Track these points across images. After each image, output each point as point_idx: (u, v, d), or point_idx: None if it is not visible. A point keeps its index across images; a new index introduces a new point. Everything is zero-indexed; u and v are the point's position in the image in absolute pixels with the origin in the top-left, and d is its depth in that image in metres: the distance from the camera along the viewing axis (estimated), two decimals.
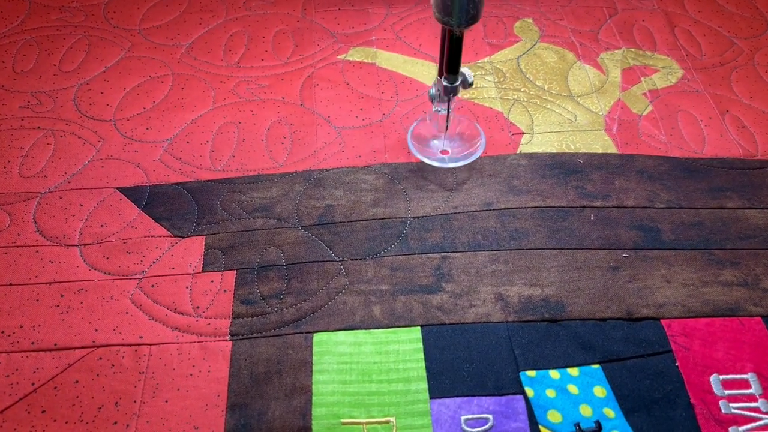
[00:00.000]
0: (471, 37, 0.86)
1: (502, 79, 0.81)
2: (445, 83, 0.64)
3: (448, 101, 0.66)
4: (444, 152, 0.72)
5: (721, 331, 0.59)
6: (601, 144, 0.74)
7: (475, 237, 0.66)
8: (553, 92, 0.80)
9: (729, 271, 0.64)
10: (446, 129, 0.70)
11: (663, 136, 0.76)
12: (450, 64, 0.62)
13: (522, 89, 0.80)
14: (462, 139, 0.73)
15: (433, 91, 0.66)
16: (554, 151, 0.73)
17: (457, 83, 0.64)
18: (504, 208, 0.68)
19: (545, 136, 0.75)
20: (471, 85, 0.65)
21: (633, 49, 0.86)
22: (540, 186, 0.70)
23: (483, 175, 0.71)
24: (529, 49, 0.85)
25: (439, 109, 0.68)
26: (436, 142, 0.72)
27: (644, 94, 0.80)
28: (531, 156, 0.73)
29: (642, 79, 0.82)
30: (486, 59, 0.84)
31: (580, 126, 0.76)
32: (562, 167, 0.72)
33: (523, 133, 0.75)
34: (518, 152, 0.73)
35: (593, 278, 0.63)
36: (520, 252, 0.65)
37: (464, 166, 0.71)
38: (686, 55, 0.85)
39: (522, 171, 0.71)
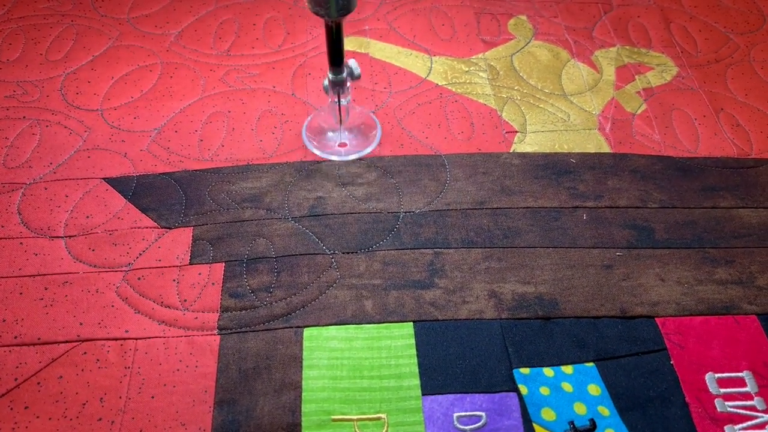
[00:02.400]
0: (465, 33, 0.85)
1: (495, 77, 0.80)
2: (330, 76, 0.64)
3: (337, 94, 0.66)
4: (342, 145, 0.71)
5: (716, 329, 0.59)
6: (595, 143, 0.74)
7: (468, 234, 0.65)
8: (547, 91, 0.79)
9: (723, 269, 0.63)
10: (340, 122, 0.70)
11: (657, 135, 0.75)
12: (332, 56, 0.62)
13: (515, 87, 0.79)
14: (359, 131, 0.73)
15: (326, 82, 0.66)
16: (547, 150, 0.72)
17: (343, 75, 0.64)
18: (497, 208, 0.67)
19: (538, 135, 0.74)
20: (358, 77, 0.65)
21: (627, 47, 0.85)
22: (532, 187, 0.69)
23: (476, 172, 0.70)
24: (522, 47, 0.84)
25: (334, 101, 0.67)
26: (332, 134, 0.72)
27: (638, 92, 0.80)
28: (524, 156, 0.72)
29: (636, 77, 0.81)
30: (480, 55, 0.83)
31: (574, 125, 0.76)
32: (554, 168, 0.71)
33: (517, 132, 0.74)
34: (511, 151, 0.72)
35: (587, 276, 0.62)
36: (514, 250, 0.64)
37: (457, 162, 0.70)
38: (681, 52, 0.84)
39: (515, 171, 0.70)
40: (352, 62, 0.64)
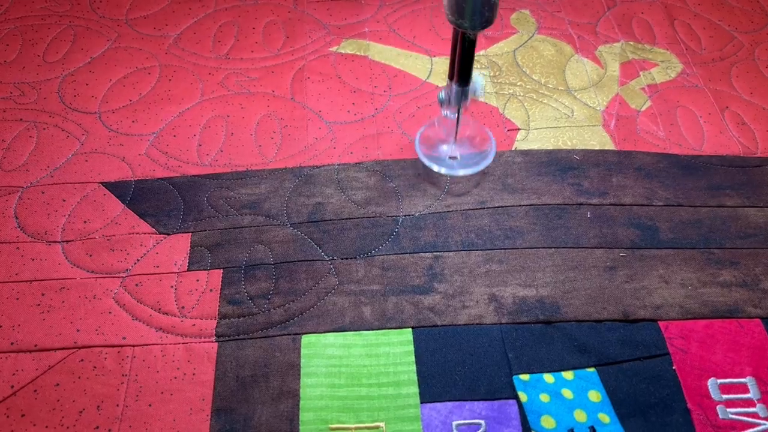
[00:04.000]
0: None
1: (497, 73, 0.79)
2: (455, 89, 0.61)
3: (458, 108, 0.63)
4: (453, 158, 0.69)
5: (719, 333, 0.58)
6: (599, 140, 0.73)
7: (468, 236, 0.64)
8: (550, 86, 0.78)
9: (728, 271, 0.62)
10: (455, 136, 0.68)
11: (662, 132, 0.74)
12: (461, 71, 0.59)
13: (518, 83, 0.78)
14: (471, 144, 0.70)
15: (442, 95, 0.63)
16: (550, 147, 0.72)
17: (468, 89, 0.61)
18: (498, 207, 0.66)
19: (541, 132, 0.73)
20: (482, 94, 0.62)
21: (632, 43, 0.84)
22: (535, 184, 0.68)
23: (477, 173, 0.69)
24: (525, 42, 0.83)
25: (448, 113, 0.65)
26: (444, 147, 0.69)
27: (643, 88, 0.78)
28: (526, 153, 0.71)
29: (641, 73, 0.80)
30: (482, 52, 0.82)
31: (577, 121, 0.75)
32: (558, 164, 0.70)
33: (519, 129, 0.73)
34: (513, 149, 0.71)
35: (589, 278, 0.61)
36: (515, 251, 0.63)
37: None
38: (686, 49, 0.83)
39: (517, 168, 0.69)
40: (478, 79, 0.61)
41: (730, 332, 0.58)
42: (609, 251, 0.63)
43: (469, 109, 0.72)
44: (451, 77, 0.61)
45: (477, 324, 0.58)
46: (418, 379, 0.55)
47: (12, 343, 0.57)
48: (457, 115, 0.65)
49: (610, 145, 0.72)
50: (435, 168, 0.67)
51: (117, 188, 0.67)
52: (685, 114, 0.76)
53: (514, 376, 0.55)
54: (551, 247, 0.63)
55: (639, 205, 0.67)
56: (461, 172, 0.67)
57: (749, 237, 0.65)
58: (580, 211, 0.66)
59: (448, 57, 0.81)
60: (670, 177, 0.70)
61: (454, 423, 0.52)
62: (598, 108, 0.76)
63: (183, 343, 0.57)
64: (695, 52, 0.83)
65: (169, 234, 0.64)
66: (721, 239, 0.65)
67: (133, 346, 0.57)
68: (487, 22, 0.54)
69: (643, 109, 0.76)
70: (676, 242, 0.64)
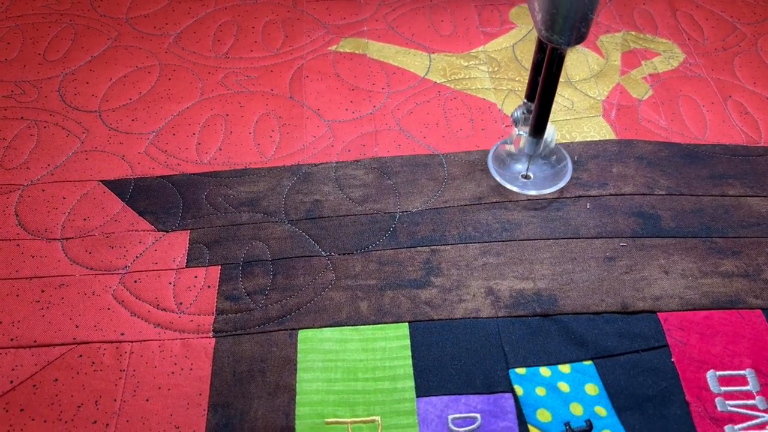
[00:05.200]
0: (465, 27, 0.84)
1: (496, 69, 0.79)
2: (528, 144, 0.61)
3: (529, 158, 0.64)
4: (526, 177, 0.67)
5: (719, 324, 0.57)
6: (599, 130, 0.72)
7: (465, 229, 0.64)
8: None
9: (730, 261, 0.62)
10: (528, 165, 0.67)
11: (663, 121, 0.73)
12: (545, 88, 0.56)
13: (517, 78, 0.78)
14: (546, 162, 0.68)
15: (517, 114, 0.63)
16: None
17: (540, 144, 0.61)
18: (495, 201, 0.66)
19: None
20: (552, 147, 0.63)
21: (633, 33, 0.83)
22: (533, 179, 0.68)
23: (474, 169, 0.69)
24: (525, 35, 0.83)
25: (522, 133, 0.64)
26: (518, 166, 0.68)
27: (644, 78, 0.78)
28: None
29: (642, 62, 0.80)
30: (480, 48, 0.81)
31: (578, 113, 0.74)
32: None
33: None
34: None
35: (588, 270, 0.61)
36: (512, 243, 0.63)
37: (456, 160, 0.68)
38: (688, 39, 0.82)
39: None
40: (550, 130, 0.61)
41: (730, 323, 0.57)
42: (609, 241, 0.63)
43: (453, 97, 0.71)
44: (528, 98, 0.60)
45: (473, 318, 0.58)
46: (414, 373, 0.55)
47: (12, 339, 0.57)
48: (528, 160, 0.65)
49: (610, 135, 0.72)
50: (508, 186, 0.66)
51: (117, 186, 0.68)
52: (687, 103, 0.75)
53: (511, 370, 0.55)
54: (549, 239, 0.63)
55: (640, 195, 0.66)
56: (534, 193, 0.66)
57: (752, 226, 0.64)
58: (579, 203, 0.66)
59: (447, 53, 0.81)
60: (672, 166, 0.69)
61: (450, 417, 0.52)
62: (598, 98, 0.76)
63: (181, 339, 0.57)
64: (698, 42, 0.82)
65: (167, 231, 0.64)
66: (723, 228, 0.64)
67: (132, 341, 0.57)
68: (581, 38, 0.51)
69: (645, 98, 0.76)
70: (678, 231, 0.64)
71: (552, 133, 0.62)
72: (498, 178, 0.67)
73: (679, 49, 0.81)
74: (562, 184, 0.66)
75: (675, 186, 0.67)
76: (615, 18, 0.85)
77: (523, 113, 0.62)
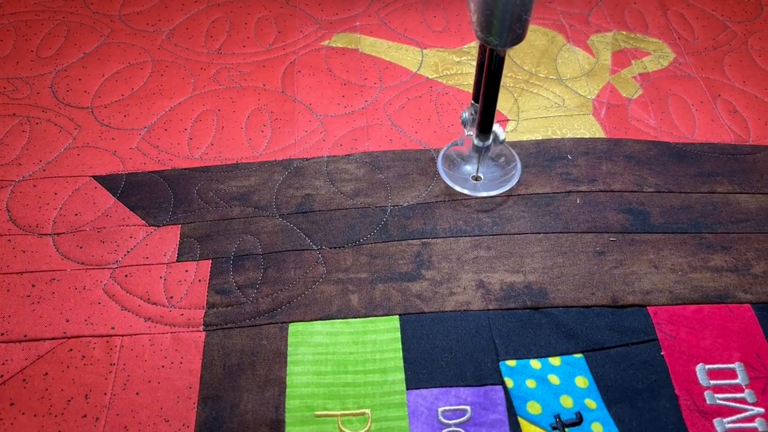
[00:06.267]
0: (457, 22, 0.85)
1: None
2: (475, 142, 0.61)
3: (479, 156, 0.64)
4: (476, 178, 0.67)
5: (709, 318, 0.58)
6: (589, 128, 0.72)
7: (456, 223, 0.64)
8: (541, 76, 0.78)
9: (719, 255, 0.62)
10: (477, 167, 0.67)
11: (653, 120, 0.74)
12: (487, 89, 0.57)
13: (508, 74, 0.78)
14: (495, 163, 0.69)
15: (465, 115, 0.63)
16: (540, 137, 0.71)
17: (489, 142, 0.61)
18: (486, 196, 0.66)
19: (531, 122, 0.73)
20: (502, 142, 0.62)
21: (624, 32, 0.84)
22: (523, 175, 0.68)
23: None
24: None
25: (472, 134, 0.64)
26: (468, 167, 0.68)
27: (634, 77, 0.78)
28: (515, 145, 0.71)
29: (632, 62, 0.80)
30: (472, 44, 0.82)
31: (568, 110, 0.74)
32: (546, 155, 0.70)
33: (508, 120, 0.73)
34: (502, 141, 0.71)
35: (578, 264, 0.61)
36: (503, 237, 0.63)
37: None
38: (678, 39, 0.83)
39: None
40: (497, 128, 0.61)
41: (719, 318, 0.58)
42: (599, 236, 0.63)
43: (444, 92, 0.71)
44: (475, 99, 0.60)
45: (464, 310, 0.58)
46: (404, 366, 0.55)
47: (2, 334, 0.57)
48: (477, 160, 0.65)
49: (600, 134, 0.72)
50: (457, 188, 0.66)
51: (108, 181, 0.68)
52: (676, 102, 0.76)
53: (501, 362, 0.55)
54: (540, 233, 0.63)
55: (629, 192, 0.67)
56: (484, 194, 0.66)
57: (741, 222, 0.64)
58: (569, 198, 0.66)
59: (439, 49, 0.81)
60: (661, 164, 0.69)
61: (440, 409, 0.52)
62: (588, 96, 0.76)
63: (171, 333, 0.57)
64: (688, 41, 0.83)
65: (159, 226, 0.64)
66: (712, 224, 0.64)
67: (122, 335, 0.57)
68: (517, 39, 0.51)
69: (635, 97, 0.76)
70: (667, 227, 0.64)
71: (500, 132, 0.62)
72: (447, 181, 0.66)
73: (669, 49, 0.82)
74: (511, 185, 0.66)
75: (663, 184, 0.67)
76: (606, 17, 0.85)
77: (471, 114, 0.62)
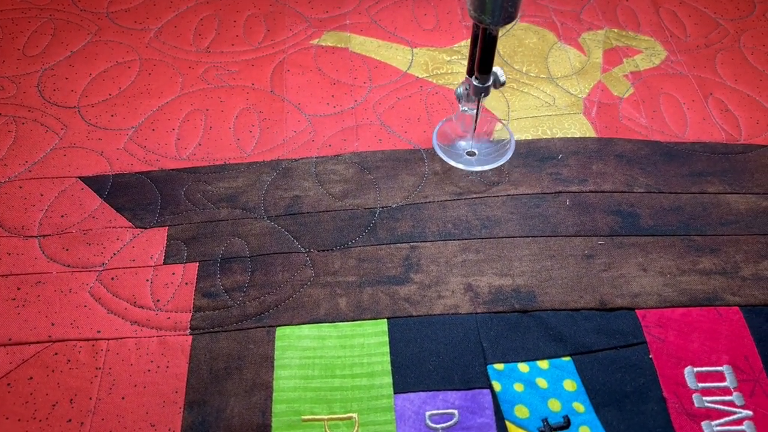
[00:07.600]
0: (448, 21, 0.84)
1: None
2: (475, 83, 0.61)
3: (478, 101, 0.63)
4: (471, 154, 0.68)
5: (697, 321, 0.57)
6: (579, 128, 0.72)
7: (445, 226, 0.64)
8: (532, 75, 0.78)
9: (708, 258, 0.62)
10: (473, 130, 0.67)
11: (644, 119, 0.73)
12: (482, 63, 0.58)
13: None
14: (490, 140, 0.69)
15: (460, 90, 0.63)
16: (530, 137, 0.71)
17: (489, 83, 0.61)
18: (475, 197, 0.66)
19: (521, 121, 0.73)
20: (503, 84, 0.61)
21: (616, 30, 0.83)
22: (513, 174, 0.67)
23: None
24: (507, 30, 0.83)
25: (467, 109, 0.64)
26: (462, 143, 0.69)
27: (626, 75, 0.78)
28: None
29: (624, 60, 0.80)
30: (463, 43, 0.81)
31: (558, 109, 0.74)
32: (536, 154, 0.69)
33: (498, 120, 0.73)
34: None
35: (566, 267, 0.61)
36: (492, 240, 0.63)
37: (437, 156, 0.68)
38: (670, 36, 0.83)
39: None
40: (497, 69, 0.61)
41: (708, 320, 0.57)
42: (587, 239, 0.63)
43: (437, 91, 0.71)
44: (469, 73, 0.61)
45: (452, 314, 0.58)
46: (391, 370, 0.55)
47: None
48: (476, 110, 0.64)
49: (590, 133, 0.72)
50: (452, 164, 0.67)
51: (95, 183, 0.67)
52: (668, 101, 0.75)
53: (489, 366, 0.55)
54: (528, 236, 0.63)
55: (619, 192, 0.66)
56: (478, 168, 0.67)
57: (730, 224, 0.64)
58: (558, 199, 0.66)
59: (429, 48, 0.80)
60: (652, 164, 0.69)
61: (427, 413, 0.52)
62: (579, 95, 0.76)
63: (157, 336, 0.57)
64: (680, 39, 0.82)
65: (145, 228, 0.64)
66: (702, 226, 0.64)
67: (108, 339, 0.57)
68: (509, 18, 0.53)
69: (626, 96, 0.76)
70: (657, 229, 0.64)
71: (501, 72, 0.61)
72: (442, 155, 0.67)
73: (661, 47, 0.81)
74: (506, 159, 0.67)
75: (654, 184, 0.67)
76: (598, 15, 0.85)
77: (465, 89, 0.62)
